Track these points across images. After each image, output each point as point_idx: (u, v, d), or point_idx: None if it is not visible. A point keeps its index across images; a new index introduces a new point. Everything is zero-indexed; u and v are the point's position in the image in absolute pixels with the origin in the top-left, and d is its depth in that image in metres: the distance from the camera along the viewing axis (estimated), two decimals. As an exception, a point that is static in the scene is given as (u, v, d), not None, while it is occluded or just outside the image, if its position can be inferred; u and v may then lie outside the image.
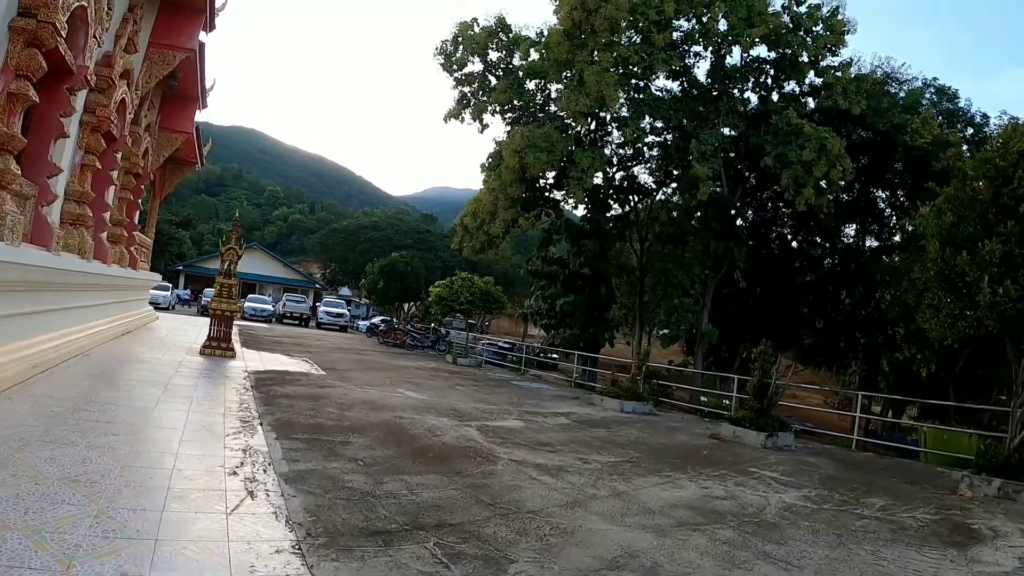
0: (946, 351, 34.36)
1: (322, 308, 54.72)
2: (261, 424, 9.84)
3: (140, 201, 22.71)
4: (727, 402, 19.40)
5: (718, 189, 31.81)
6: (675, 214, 37.32)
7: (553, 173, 34.62)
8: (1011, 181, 10.05)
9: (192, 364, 15.62)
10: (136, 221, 22.58)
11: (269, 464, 7.56)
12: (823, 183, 28.39)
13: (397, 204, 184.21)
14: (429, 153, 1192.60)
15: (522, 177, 30.84)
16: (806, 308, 37.19)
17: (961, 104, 37.16)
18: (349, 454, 8.78)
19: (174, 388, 11.45)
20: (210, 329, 18.97)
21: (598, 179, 36.26)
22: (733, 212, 31.98)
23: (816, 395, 67.54)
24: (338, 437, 9.77)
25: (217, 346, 18.78)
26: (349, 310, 58.30)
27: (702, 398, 19.53)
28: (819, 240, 36.14)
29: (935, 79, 35.67)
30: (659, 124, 34.33)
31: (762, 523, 7.59)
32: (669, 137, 35.13)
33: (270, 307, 51.78)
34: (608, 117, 33.68)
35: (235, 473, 6.90)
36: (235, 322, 20.87)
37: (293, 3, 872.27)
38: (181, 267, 78.17)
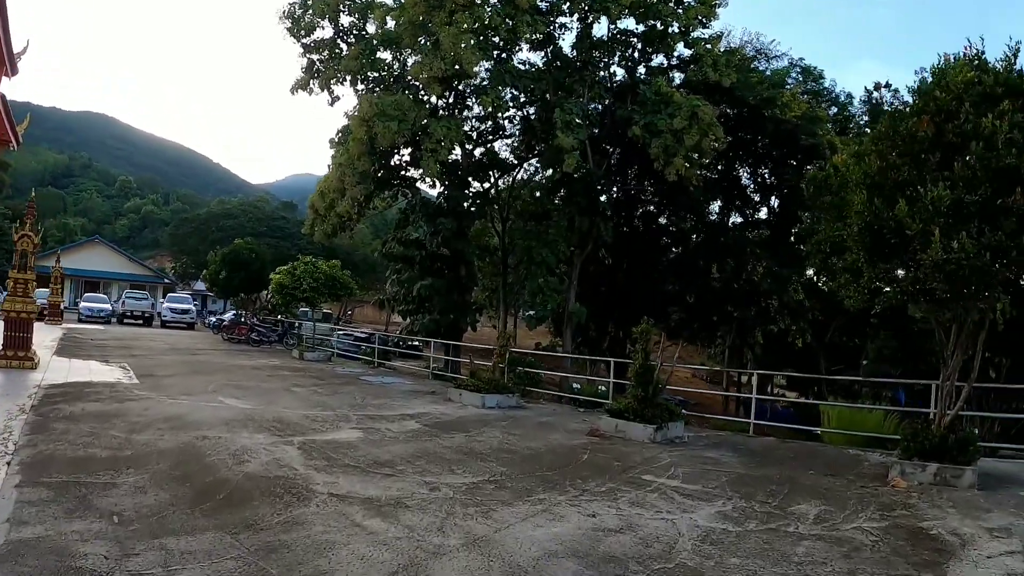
0: (818, 323, 34.43)
1: (165, 305, 49.36)
2: (10, 462, 7.57)
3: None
4: (603, 388, 17.26)
5: (583, 165, 29.80)
6: (538, 193, 35.37)
7: (408, 150, 31.94)
8: (956, 116, 8.06)
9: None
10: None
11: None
12: (694, 154, 26.71)
13: (257, 192, 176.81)
14: (291, 140, 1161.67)
15: (371, 150, 27.92)
16: (675, 284, 36.05)
17: (826, 84, 36.73)
18: (107, 504, 6.33)
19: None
20: (3, 336, 15.60)
21: (456, 155, 33.89)
22: (599, 187, 29.99)
23: (686, 370, 68.12)
24: (105, 476, 7.32)
25: (14, 356, 15.48)
26: (196, 305, 53.32)
27: (575, 385, 17.35)
28: (687, 215, 34.62)
29: (801, 59, 34.99)
30: (521, 97, 32.07)
31: (680, 570, 5.40)
32: (531, 111, 32.99)
33: (108, 306, 46.79)
34: (466, 88, 31.14)
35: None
36: (68, 324, 17.31)
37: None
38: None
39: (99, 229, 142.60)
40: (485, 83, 29.48)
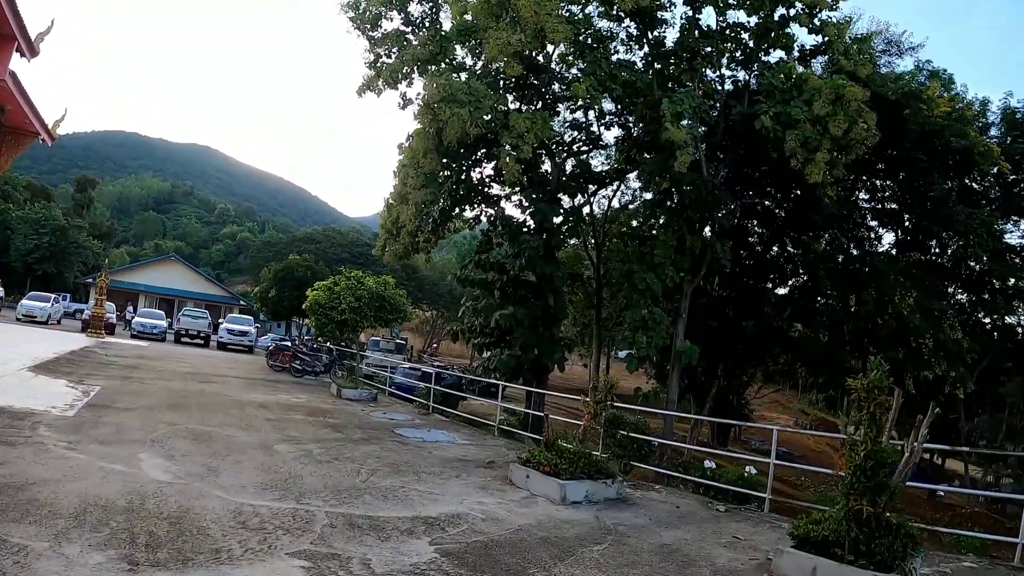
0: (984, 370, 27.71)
1: (224, 326, 44.84)
2: None
3: None
4: (751, 470, 11.30)
5: (695, 176, 23.97)
6: (640, 209, 29.62)
7: (491, 165, 26.72)
8: None
9: None
10: None
11: None
12: (839, 151, 20.75)
13: (352, 224, 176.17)
14: (389, 172, 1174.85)
15: (439, 145, 22.63)
16: (795, 319, 29.87)
17: (957, 90, 29.94)
18: None
19: None
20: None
21: (546, 167, 28.52)
22: (714, 198, 23.90)
23: (784, 415, 60.93)
24: None
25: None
26: (257, 327, 48.55)
27: (707, 463, 11.43)
28: (819, 234, 27.98)
29: (929, 61, 28.31)
30: (617, 103, 26.61)
31: None
32: (631, 119, 27.41)
33: (163, 323, 42.35)
34: (551, 78, 25.74)
35: None
36: (113, 339, 12.99)
37: (254, 20, 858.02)
38: (92, 279, 68.75)
39: (195, 253, 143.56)
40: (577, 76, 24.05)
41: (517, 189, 28.75)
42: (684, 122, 21.28)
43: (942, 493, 34.15)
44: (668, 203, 25.24)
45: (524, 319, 25.95)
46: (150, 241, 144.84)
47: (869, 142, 20.80)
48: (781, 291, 33.04)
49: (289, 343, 32.04)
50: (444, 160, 24.36)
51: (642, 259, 23.50)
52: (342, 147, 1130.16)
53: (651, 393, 25.35)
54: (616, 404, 12.26)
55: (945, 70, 28.62)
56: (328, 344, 26.98)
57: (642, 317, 22.15)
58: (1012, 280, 28.93)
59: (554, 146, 28.62)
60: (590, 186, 29.91)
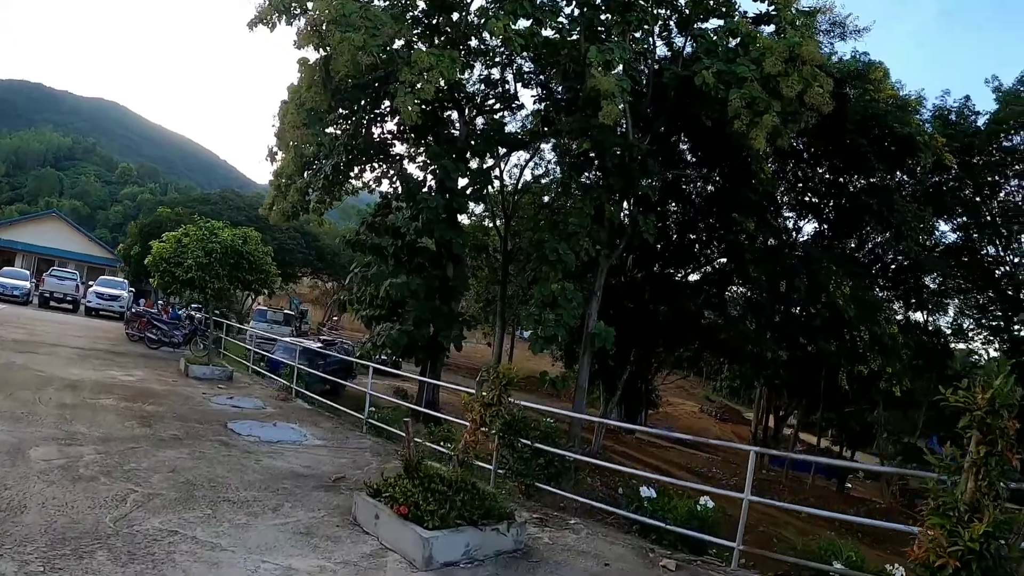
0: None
1: (92, 289, 38.48)
2: None
3: None
4: (706, 502, 8.11)
5: (620, 139, 21.00)
6: (552, 180, 26.73)
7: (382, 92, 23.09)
8: None
9: None
10: None
11: None
12: (787, 117, 18.02)
13: (260, 191, 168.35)
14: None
15: (326, 79, 18.96)
16: (714, 304, 29.27)
17: (893, 84, 28.14)
18: None
19: None
20: None
21: (455, 121, 25.22)
22: (639, 164, 20.87)
23: (689, 400, 59.80)
24: None
25: None
26: (132, 292, 42.99)
27: (644, 490, 8.12)
28: (751, 216, 25.37)
29: (865, 53, 26.32)
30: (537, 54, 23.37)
31: None
32: (552, 75, 24.33)
33: (26, 284, 37.12)
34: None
35: None
36: None
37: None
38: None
39: (93, 214, 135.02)
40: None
41: (422, 149, 25.41)
42: (615, 71, 18.26)
43: (849, 486, 33.21)
44: (587, 168, 22.17)
45: (419, 290, 22.50)
46: (45, 199, 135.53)
47: (824, 109, 18.07)
48: (694, 277, 31.09)
49: (146, 310, 27.63)
50: (334, 100, 20.66)
51: (555, 228, 20.35)
52: (257, 112, 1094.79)
53: (559, 378, 22.20)
54: (518, 402, 9.03)
55: (882, 62, 26.53)
56: (194, 311, 23.06)
57: (551, 292, 18.95)
58: (941, 278, 28.37)
59: (463, 100, 25.24)
60: (501, 148, 26.60)
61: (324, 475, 8.88)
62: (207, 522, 6.32)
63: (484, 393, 7.16)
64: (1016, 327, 29.69)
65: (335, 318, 74.94)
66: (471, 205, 27.63)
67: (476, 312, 33.90)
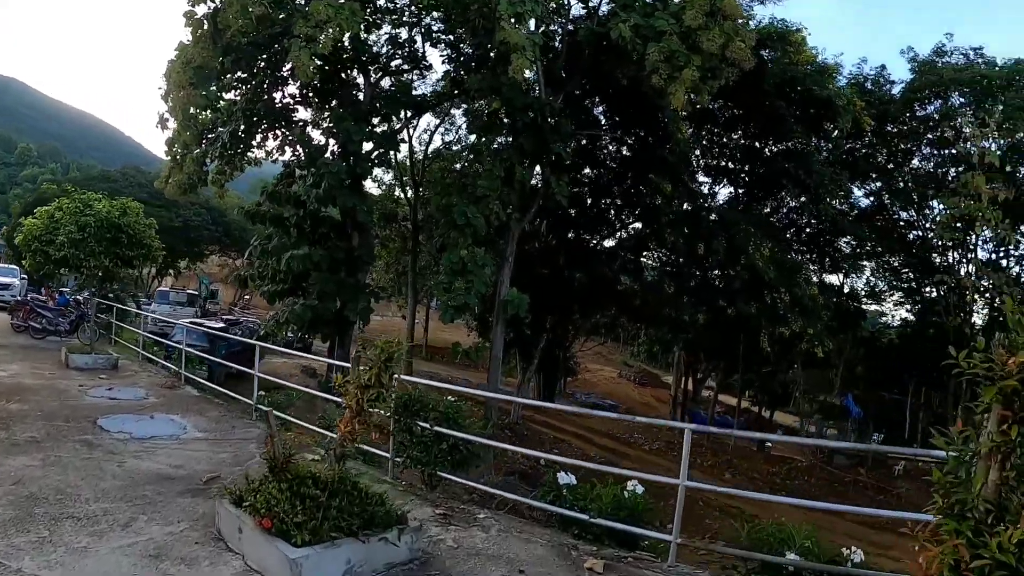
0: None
1: None
2: None
3: None
4: (635, 486, 6.90)
5: (533, 98, 19.95)
6: (463, 148, 25.61)
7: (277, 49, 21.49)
8: None
9: None
10: None
11: None
12: (706, 74, 17.18)
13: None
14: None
15: (216, 34, 17.39)
16: (629, 269, 28.72)
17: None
18: None
19: None
20: None
21: (359, 83, 23.97)
22: (552, 124, 19.78)
23: (607, 366, 59.69)
24: None
25: None
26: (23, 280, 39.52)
27: (561, 476, 6.95)
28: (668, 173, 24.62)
29: (783, 20, 25.87)
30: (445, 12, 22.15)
31: None
32: (461, 35, 23.17)
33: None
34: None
35: None
36: None
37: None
38: None
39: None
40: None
41: (326, 115, 23.88)
42: (527, 25, 17.18)
43: (769, 444, 33.34)
44: (497, 129, 21.02)
45: (323, 262, 21.18)
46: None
47: (745, 65, 17.33)
48: (610, 243, 30.44)
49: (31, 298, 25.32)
50: (226, 58, 19.03)
51: (464, 191, 19.19)
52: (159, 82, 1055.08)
53: (471, 349, 21.12)
54: (412, 379, 7.79)
55: (800, 28, 26.10)
56: (75, 297, 21.11)
57: (461, 259, 17.83)
58: (856, 241, 28.65)
59: (368, 61, 23.79)
60: (409, 112, 25.22)
61: (196, 476, 7.55)
62: (39, 548, 5.02)
63: (363, 371, 5.87)
64: (927, 289, 29.99)
65: (246, 297, 72.17)
66: (378, 171, 26.34)
67: (387, 284, 32.57)
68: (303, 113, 25.24)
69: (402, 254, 30.20)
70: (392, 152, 23.97)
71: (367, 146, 22.48)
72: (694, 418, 37.34)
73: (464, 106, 26.19)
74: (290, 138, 24.95)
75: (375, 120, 23.54)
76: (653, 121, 22.01)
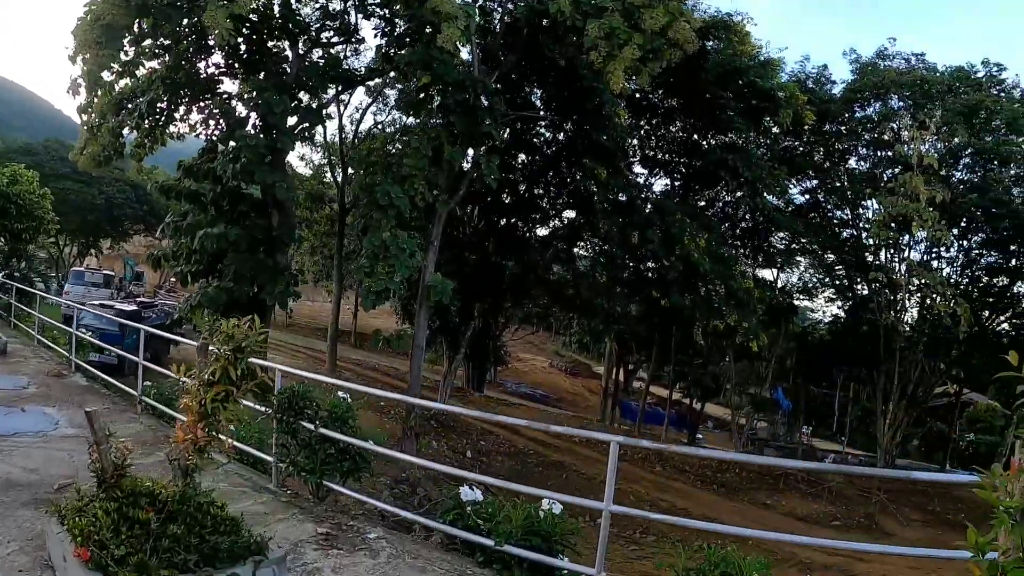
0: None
1: None
2: None
3: None
4: (551, 504, 5.86)
5: (466, 75, 18.93)
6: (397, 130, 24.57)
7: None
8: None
9: None
10: None
11: None
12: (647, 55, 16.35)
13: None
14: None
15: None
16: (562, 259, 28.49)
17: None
18: None
19: None
20: None
21: (284, 51, 22.69)
22: (484, 103, 18.75)
23: (539, 356, 59.22)
24: None
25: None
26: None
27: (464, 491, 5.78)
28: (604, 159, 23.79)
29: (729, 14, 25.60)
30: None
31: None
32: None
33: None
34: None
35: None
36: None
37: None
38: None
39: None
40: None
41: (252, 87, 22.48)
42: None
43: (700, 436, 33.17)
44: (427, 104, 19.89)
45: (240, 241, 19.83)
46: None
47: (688, 47, 16.55)
48: (543, 232, 29.90)
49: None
50: (141, 17, 17.58)
51: (389, 170, 18.02)
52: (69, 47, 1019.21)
53: (393, 336, 19.98)
54: (294, 373, 6.69)
55: (742, 14, 25.68)
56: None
57: (383, 242, 16.72)
58: (790, 237, 28.64)
59: (297, 31, 22.44)
60: (338, 86, 23.95)
61: (49, 482, 6.46)
62: None
63: (211, 366, 4.73)
64: (859, 286, 30.16)
65: (172, 279, 69.58)
66: (308, 151, 24.95)
67: (312, 267, 31.29)
68: (229, 85, 23.87)
69: (329, 237, 28.93)
70: (319, 128, 22.66)
71: (292, 121, 21.22)
72: (624, 409, 37.02)
73: (399, 86, 25.09)
74: (215, 112, 23.51)
75: (303, 95, 22.29)
76: (590, 104, 21.11)
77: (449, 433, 22.32)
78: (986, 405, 40.02)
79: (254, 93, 21.23)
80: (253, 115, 22.07)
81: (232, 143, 19.76)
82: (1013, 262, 27.34)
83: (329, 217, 28.91)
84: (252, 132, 19.96)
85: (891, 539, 20.99)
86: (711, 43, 22.82)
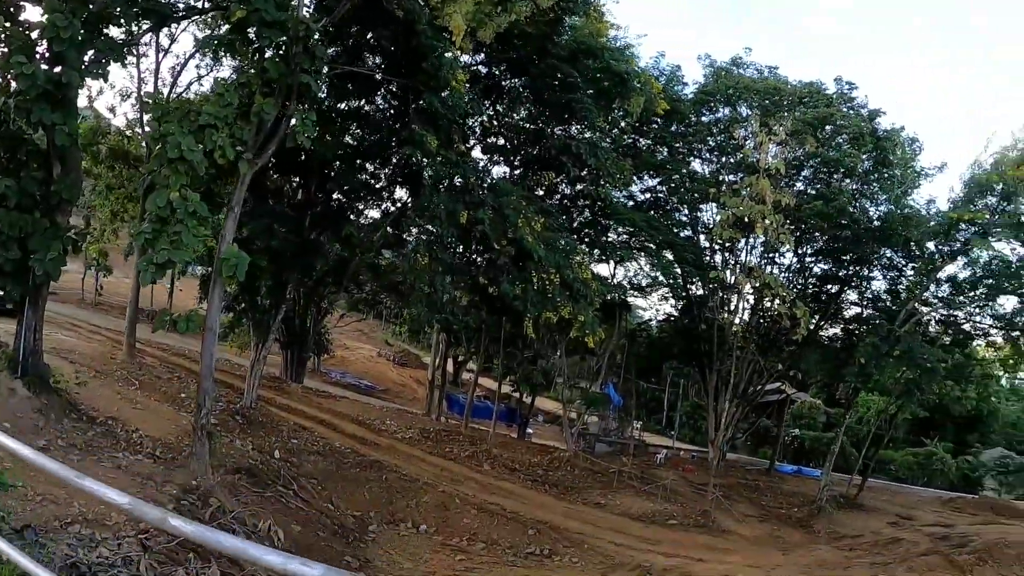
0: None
1: None
2: None
3: None
4: None
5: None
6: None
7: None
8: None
9: None
10: None
11: None
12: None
13: None
14: None
15: None
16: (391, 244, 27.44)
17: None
18: None
19: None
20: None
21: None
22: (304, 50, 15.80)
23: (367, 344, 56.69)
24: None
25: None
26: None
27: None
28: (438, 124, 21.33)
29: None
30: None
31: None
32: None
33: None
34: None
35: None
36: None
37: None
38: None
39: None
40: None
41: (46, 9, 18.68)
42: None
43: (531, 431, 33.76)
44: (241, 45, 16.78)
45: (9, 195, 16.08)
46: None
47: (542, 3, 14.42)
48: (374, 213, 27.95)
49: None
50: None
51: (184, 118, 14.85)
52: None
53: (182, 318, 16.70)
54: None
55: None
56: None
57: (169, 203, 13.71)
58: (629, 231, 28.29)
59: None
60: (150, 19, 20.42)
61: None
62: None
63: None
64: (693, 287, 30.16)
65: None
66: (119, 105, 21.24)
67: (112, 239, 27.64)
68: (34, 13, 19.88)
69: (131, 202, 25.13)
70: (115, 62, 19.04)
71: (88, 53, 17.55)
72: (451, 402, 35.13)
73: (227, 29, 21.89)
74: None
75: (112, 29, 18.60)
76: (427, 64, 18.42)
77: (256, 430, 19.52)
78: (810, 403, 41.66)
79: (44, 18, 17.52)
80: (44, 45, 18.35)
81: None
82: (843, 272, 28.44)
83: (132, 179, 25.13)
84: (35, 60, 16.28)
85: (728, 536, 20.86)
86: (569, 19, 21.66)
